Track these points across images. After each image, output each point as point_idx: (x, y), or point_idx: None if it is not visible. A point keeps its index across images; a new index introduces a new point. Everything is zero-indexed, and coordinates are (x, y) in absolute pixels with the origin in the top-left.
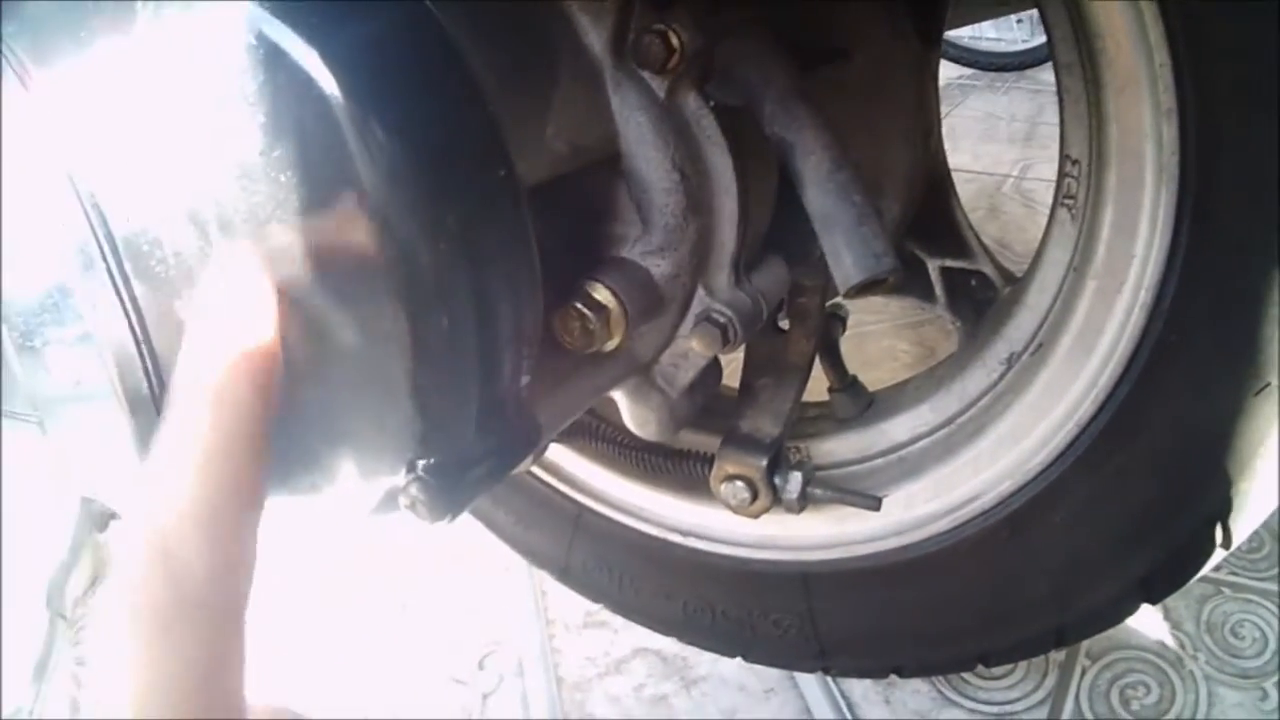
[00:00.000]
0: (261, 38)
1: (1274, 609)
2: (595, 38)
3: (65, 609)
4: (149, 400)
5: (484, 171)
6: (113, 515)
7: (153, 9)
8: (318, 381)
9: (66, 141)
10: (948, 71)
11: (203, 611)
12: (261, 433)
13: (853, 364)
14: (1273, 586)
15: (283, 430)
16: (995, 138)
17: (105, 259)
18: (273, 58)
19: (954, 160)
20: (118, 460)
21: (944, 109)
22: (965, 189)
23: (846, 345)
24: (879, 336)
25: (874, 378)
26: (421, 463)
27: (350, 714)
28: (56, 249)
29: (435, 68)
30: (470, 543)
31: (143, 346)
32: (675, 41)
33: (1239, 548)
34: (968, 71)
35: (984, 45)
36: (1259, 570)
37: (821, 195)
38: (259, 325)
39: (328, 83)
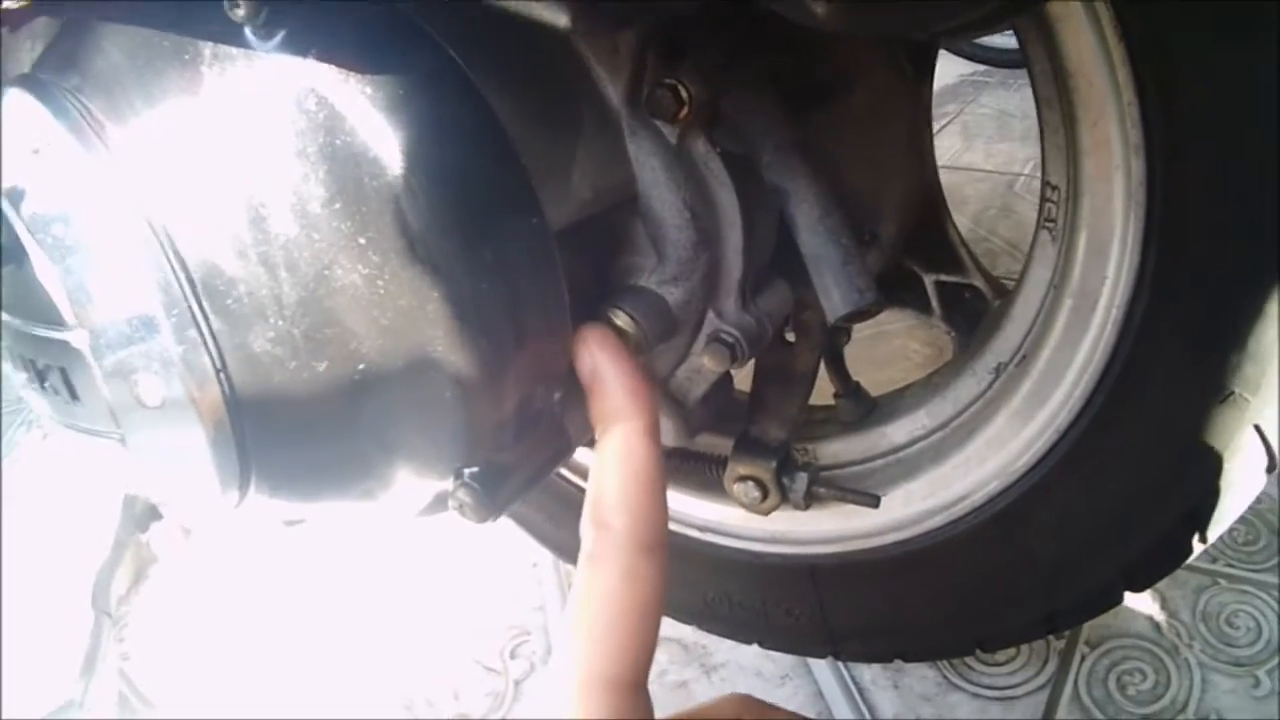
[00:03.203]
0: (323, 102)
1: (1268, 599)
2: (613, 91)
3: (110, 607)
4: (228, 421)
5: (518, 218)
6: (154, 516)
7: (219, 69)
8: (377, 400)
9: (146, 191)
10: (960, 68)
11: (654, 597)
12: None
13: (866, 363)
14: (1267, 578)
15: (345, 443)
16: (1008, 135)
17: (186, 297)
18: (333, 121)
19: (966, 159)
20: (193, 473)
21: (956, 106)
22: (978, 188)
23: (862, 345)
24: (892, 337)
25: (886, 377)
26: (468, 470)
27: (387, 700)
28: (144, 288)
29: (474, 129)
30: (501, 540)
31: (221, 374)
32: (684, 94)
33: (1234, 540)
34: (980, 68)
35: (997, 42)
36: (1254, 562)
37: (812, 238)
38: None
39: (383, 145)
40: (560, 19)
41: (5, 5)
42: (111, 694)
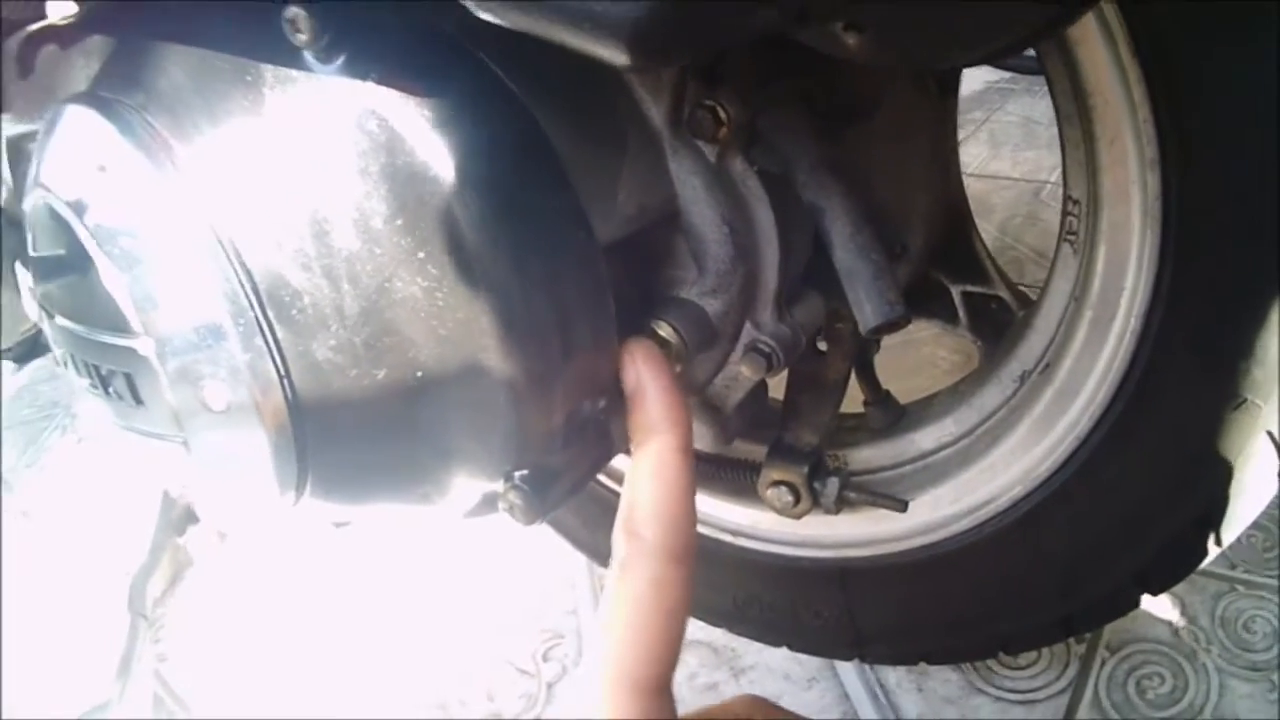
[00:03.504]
0: (384, 124)
1: None
2: (655, 112)
3: (146, 609)
4: (289, 426)
5: (568, 234)
6: (191, 520)
7: (281, 91)
8: (433, 405)
9: (212, 206)
10: (987, 75)
11: (681, 604)
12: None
13: (896, 371)
14: None
15: (400, 447)
16: (1034, 143)
17: (252, 307)
18: (394, 142)
19: (993, 166)
20: (252, 475)
21: (983, 113)
22: (1004, 195)
23: (892, 353)
24: (920, 345)
25: (915, 385)
26: (518, 473)
27: (421, 700)
28: (211, 298)
29: (525, 149)
30: (535, 545)
31: (284, 381)
32: (723, 115)
33: (1252, 546)
34: (1006, 75)
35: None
36: (1272, 569)
37: (845, 253)
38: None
39: (441, 164)
40: (619, 58)
41: (53, 21)
42: (147, 695)
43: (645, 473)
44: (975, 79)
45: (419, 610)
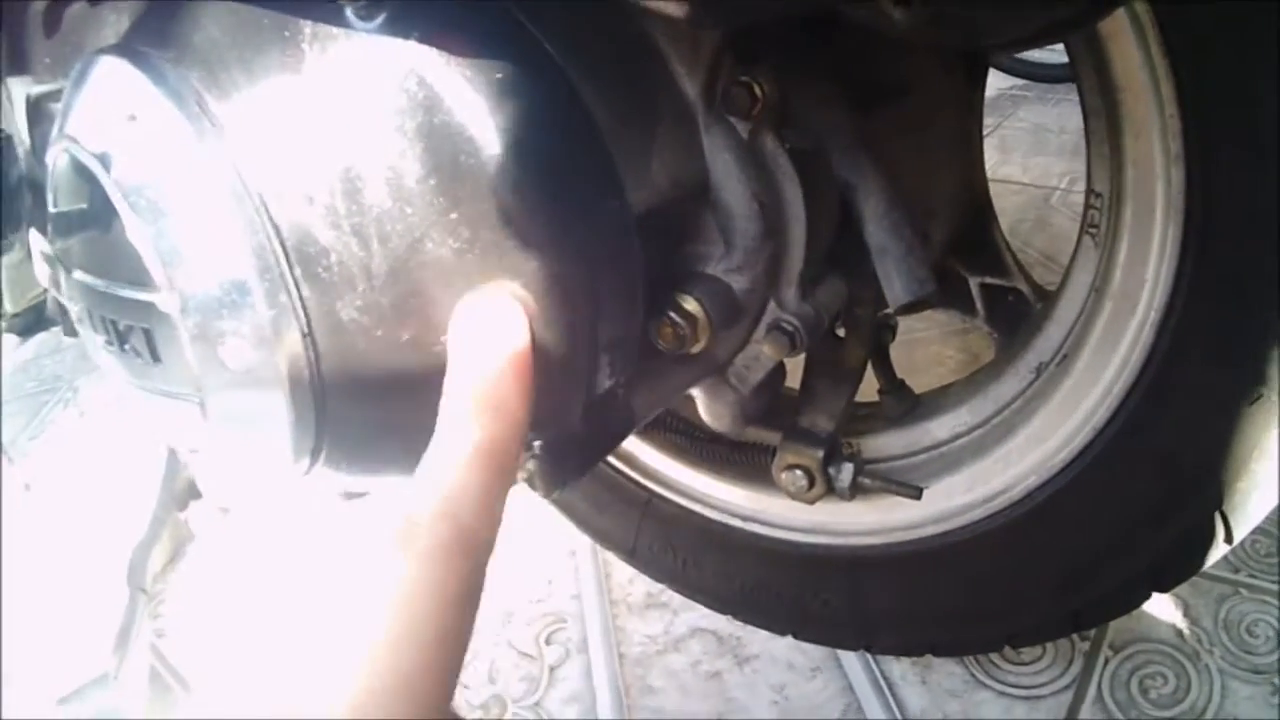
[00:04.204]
0: (422, 83)
1: None
2: (690, 87)
3: (146, 583)
4: (309, 388)
5: (602, 201)
6: (193, 494)
7: (320, 47)
8: None
9: (243, 159)
10: (999, 82)
11: (471, 557)
12: (526, 428)
13: (902, 368)
14: None
15: (421, 413)
16: (1044, 150)
17: (279, 263)
18: (432, 101)
19: (1003, 171)
20: (268, 439)
21: (995, 119)
22: (1014, 200)
23: (897, 351)
24: (927, 343)
25: (921, 382)
26: (539, 442)
27: None
28: (238, 252)
29: (563, 115)
30: (539, 527)
31: (308, 340)
32: (758, 92)
33: (1256, 551)
34: (1019, 82)
35: (1036, 56)
36: (1274, 573)
37: (878, 230)
38: (517, 332)
39: (479, 125)
40: (683, 10)
41: None
42: (144, 669)
43: (442, 467)
44: (988, 86)
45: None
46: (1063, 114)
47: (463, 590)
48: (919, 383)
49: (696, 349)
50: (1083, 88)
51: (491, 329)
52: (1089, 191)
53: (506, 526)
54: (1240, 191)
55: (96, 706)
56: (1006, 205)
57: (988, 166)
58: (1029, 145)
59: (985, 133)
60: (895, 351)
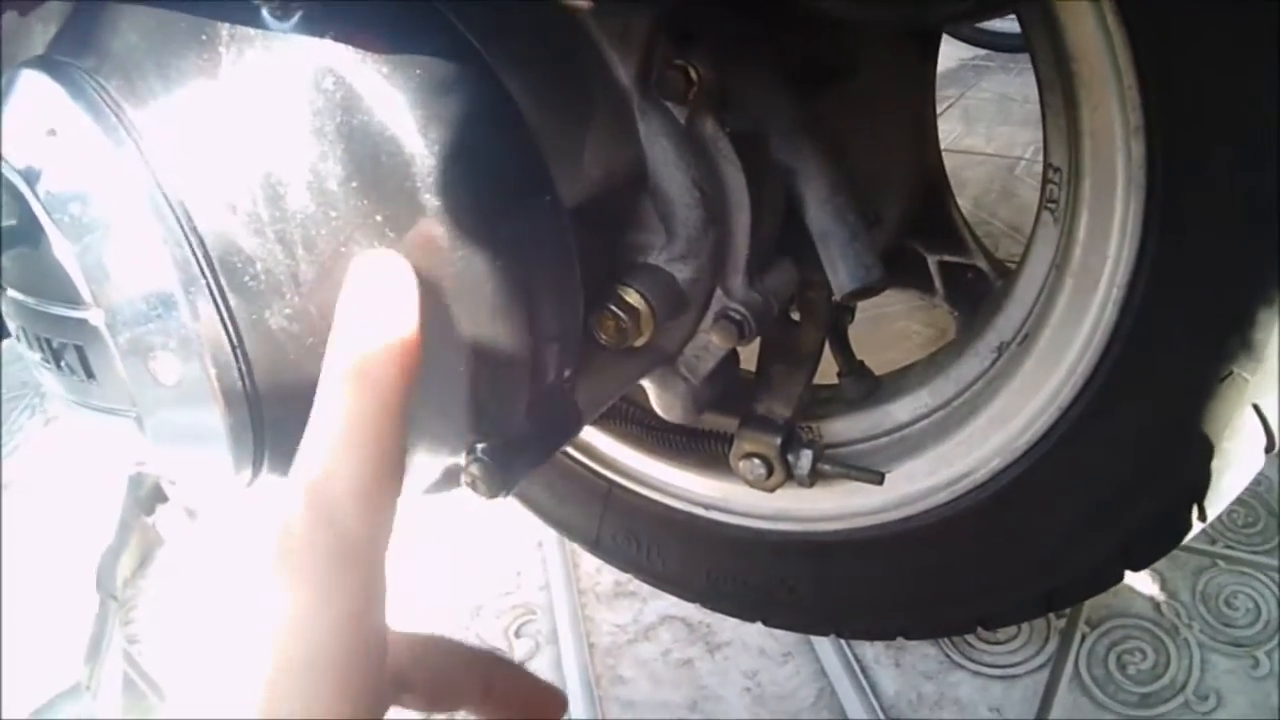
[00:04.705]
0: (340, 82)
1: (1267, 581)
2: (624, 72)
3: (116, 590)
4: (243, 399)
5: (532, 196)
6: (160, 498)
7: (237, 50)
8: None
9: (163, 169)
10: (961, 53)
11: (358, 564)
12: (405, 413)
13: (869, 345)
14: (1266, 560)
15: None
16: (1009, 119)
17: (203, 274)
18: (351, 100)
19: (967, 142)
20: (207, 451)
21: (957, 90)
22: (978, 171)
23: (863, 326)
24: (893, 319)
25: (889, 358)
26: (480, 445)
27: None
28: (161, 265)
29: (488, 108)
30: (506, 519)
31: (238, 351)
32: (694, 75)
33: (1233, 522)
34: (981, 53)
35: (998, 26)
36: (1253, 544)
37: (820, 215)
38: (402, 314)
39: (399, 124)
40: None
41: None
42: (118, 678)
43: (308, 450)
44: (950, 57)
45: (390, 588)
46: (1026, 83)
47: (356, 606)
48: (886, 359)
49: (641, 341)
50: (1036, 58)
51: (375, 294)
52: (1046, 165)
53: (472, 519)
54: (1204, 164)
55: (71, 718)
56: (971, 177)
57: (951, 137)
58: (992, 115)
59: (949, 104)
60: (860, 327)
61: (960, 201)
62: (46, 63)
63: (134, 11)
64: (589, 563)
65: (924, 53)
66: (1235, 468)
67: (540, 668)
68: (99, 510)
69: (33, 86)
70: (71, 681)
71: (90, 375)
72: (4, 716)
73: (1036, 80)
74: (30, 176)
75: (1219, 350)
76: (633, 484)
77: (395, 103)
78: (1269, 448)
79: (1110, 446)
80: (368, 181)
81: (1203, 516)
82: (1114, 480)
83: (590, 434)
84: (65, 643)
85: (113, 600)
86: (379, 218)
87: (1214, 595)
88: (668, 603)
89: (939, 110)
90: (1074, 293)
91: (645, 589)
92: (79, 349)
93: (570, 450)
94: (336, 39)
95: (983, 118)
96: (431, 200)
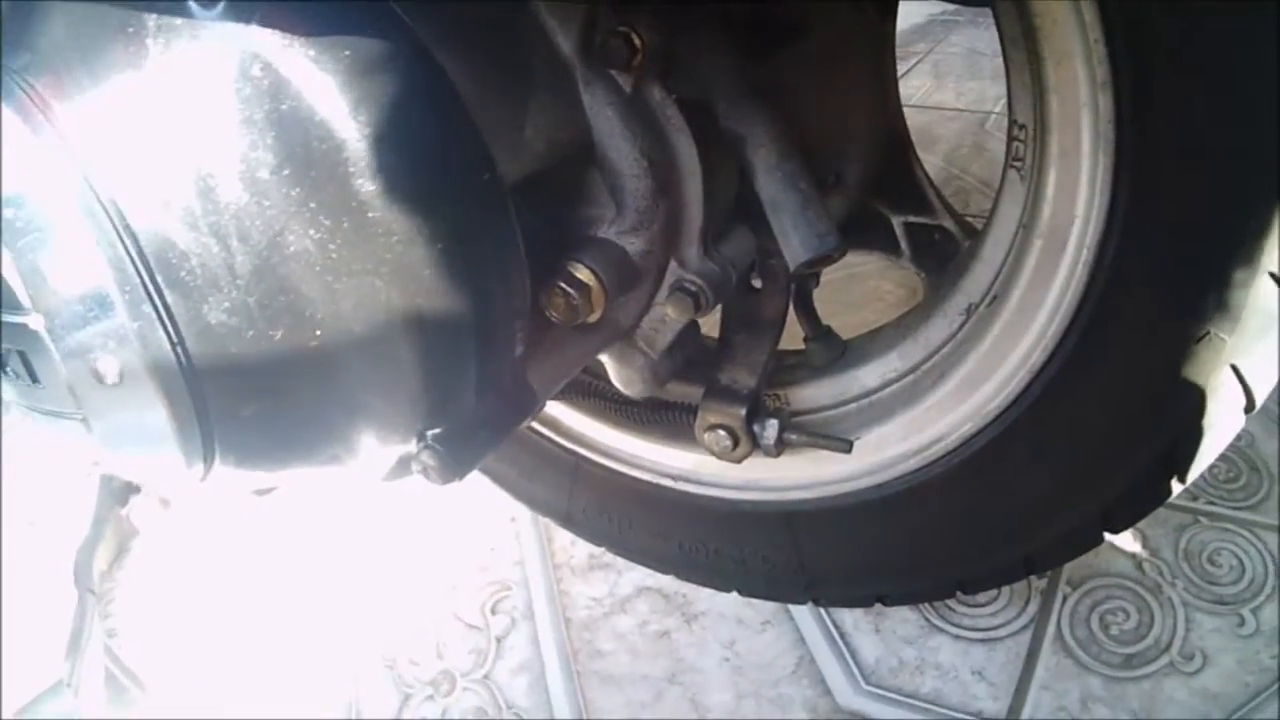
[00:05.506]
0: (267, 68)
1: (1250, 537)
2: (564, 42)
3: (93, 584)
4: (187, 395)
5: (471, 176)
6: (133, 490)
7: (163, 41)
8: (335, 365)
9: (94, 168)
10: (929, 8)
11: None
12: None
13: (840, 305)
14: (1248, 515)
15: (306, 410)
16: (979, 74)
17: (138, 272)
18: (278, 86)
19: (937, 97)
20: (157, 449)
21: (926, 45)
22: (949, 126)
23: (833, 287)
24: (865, 279)
25: (861, 319)
26: (431, 432)
27: (370, 659)
28: (96, 266)
29: (421, 87)
30: (479, 496)
31: (177, 348)
32: (637, 41)
33: (1214, 477)
34: (950, 7)
35: None
36: (1235, 500)
37: (770, 184)
38: None
39: (329, 108)
40: None
41: None
42: (99, 672)
43: None
44: (918, 12)
45: (365, 569)
46: (995, 37)
47: None
48: (857, 320)
49: (593, 317)
50: (998, 12)
51: None
52: (1011, 123)
53: (445, 497)
54: (1174, 119)
55: (53, 716)
56: (942, 132)
57: (921, 93)
58: (962, 70)
59: (917, 59)
60: (831, 288)
61: (932, 158)
62: None
63: (62, 8)
64: (563, 536)
65: (883, 10)
66: (1214, 429)
67: (517, 645)
68: (73, 504)
69: None
70: (53, 679)
71: (35, 380)
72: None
73: (999, 35)
74: None
75: (1194, 310)
76: (601, 458)
77: (324, 86)
78: (1248, 408)
79: (1084, 410)
80: (299, 169)
81: (1182, 479)
82: (1089, 444)
83: (556, 409)
84: (45, 641)
85: (91, 594)
86: (313, 205)
87: (1197, 553)
88: (643, 574)
89: (908, 66)
90: (1043, 253)
91: (620, 561)
92: (21, 354)
93: (536, 426)
94: (262, 24)
95: (952, 73)
96: (365, 185)
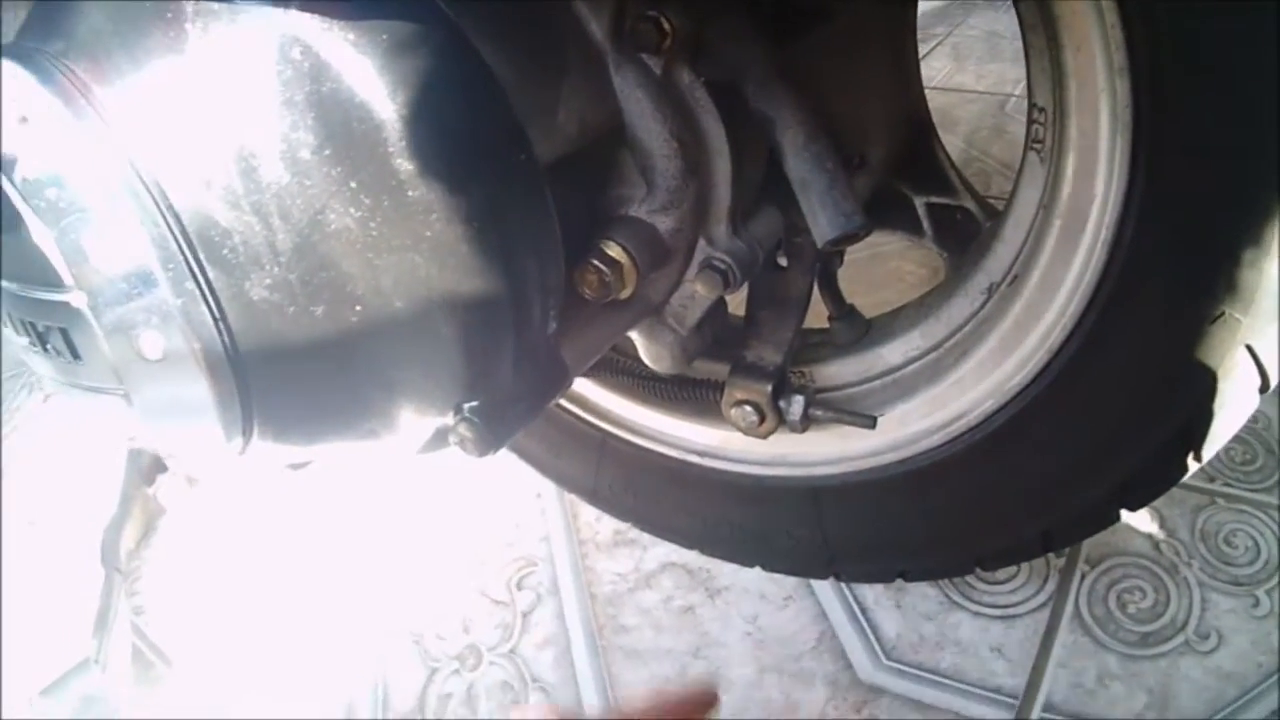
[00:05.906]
0: (307, 51)
1: (1266, 519)
2: (596, 27)
3: (120, 562)
4: (229, 370)
5: (507, 156)
6: (160, 469)
7: (202, 25)
8: (375, 340)
9: (136, 149)
10: None
11: None
12: None
13: (862, 285)
14: (1265, 497)
15: (345, 384)
16: (999, 56)
17: (181, 250)
18: (318, 69)
19: (957, 80)
20: (197, 423)
21: (945, 28)
22: (969, 109)
23: (856, 267)
24: (887, 258)
25: (882, 298)
26: (467, 405)
27: (398, 634)
28: (139, 244)
29: (459, 70)
30: (505, 472)
31: (220, 324)
32: (667, 25)
33: (1231, 459)
34: None
35: None
36: (1252, 481)
37: (798, 164)
38: None
39: (369, 89)
40: None
41: None
42: (126, 650)
43: None
44: None
45: (392, 545)
46: (1015, 20)
47: None
48: (879, 299)
49: (625, 294)
50: (1018, 0)
51: None
52: (1031, 106)
53: (472, 473)
54: (1190, 103)
55: (81, 693)
56: (962, 114)
57: (941, 75)
58: (982, 52)
59: (937, 41)
60: (854, 267)
61: (952, 140)
62: (15, 50)
63: None
64: (588, 512)
65: None
66: (1230, 408)
67: (543, 620)
68: (100, 483)
69: (3, 75)
70: (80, 657)
71: (76, 356)
72: (10, 696)
73: (1019, 21)
74: (7, 164)
75: (1210, 291)
76: (628, 434)
77: (363, 68)
78: (1263, 388)
79: (1103, 387)
80: (340, 149)
81: (1198, 457)
82: (1108, 421)
83: (584, 386)
84: (73, 618)
85: (118, 573)
86: (353, 184)
87: (1213, 533)
88: (667, 549)
89: (928, 49)
90: (1062, 233)
91: (645, 537)
92: (64, 331)
93: (564, 403)
94: (301, 8)
95: (972, 55)
96: (405, 164)
